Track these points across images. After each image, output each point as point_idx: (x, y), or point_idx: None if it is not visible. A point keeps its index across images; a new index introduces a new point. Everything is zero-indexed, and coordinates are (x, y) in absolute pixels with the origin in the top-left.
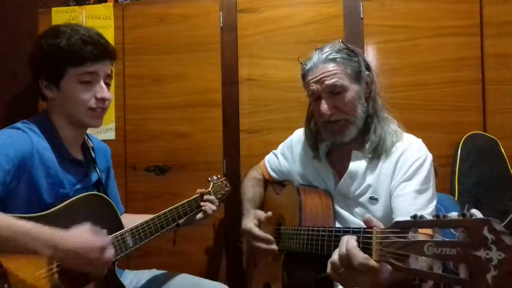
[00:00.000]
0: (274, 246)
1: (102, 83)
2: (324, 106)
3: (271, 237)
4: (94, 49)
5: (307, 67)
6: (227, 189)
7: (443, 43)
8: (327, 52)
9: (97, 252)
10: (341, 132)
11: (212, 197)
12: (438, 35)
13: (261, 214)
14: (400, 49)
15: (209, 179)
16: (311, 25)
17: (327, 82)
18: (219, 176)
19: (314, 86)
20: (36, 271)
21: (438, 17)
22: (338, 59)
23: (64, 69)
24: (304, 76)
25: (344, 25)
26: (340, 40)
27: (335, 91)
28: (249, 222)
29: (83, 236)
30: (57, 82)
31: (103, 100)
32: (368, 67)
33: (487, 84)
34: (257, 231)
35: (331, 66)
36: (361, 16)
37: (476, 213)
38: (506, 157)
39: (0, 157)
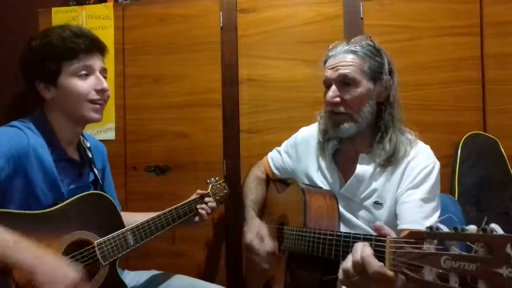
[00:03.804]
0: (272, 268)
1: (98, 75)
2: (330, 93)
3: (272, 254)
4: (86, 41)
5: (330, 54)
6: (225, 191)
7: (443, 43)
8: (352, 44)
9: (72, 280)
10: (340, 125)
11: (210, 199)
12: (438, 35)
13: (264, 231)
14: (400, 49)
15: (208, 181)
16: (311, 25)
17: (340, 71)
18: (217, 178)
19: (329, 72)
20: None
21: (438, 17)
22: (359, 53)
23: (59, 64)
24: (324, 62)
25: (344, 25)
26: (369, 37)
27: (345, 82)
28: (252, 237)
29: (63, 262)
30: (55, 80)
31: (102, 91)
32: (391, 72)
33: (487, 84)
34: (260, 250)
35: (350, 57)
36: (361, 16)
37: (497, 228)
38: (506, 157)
39: None
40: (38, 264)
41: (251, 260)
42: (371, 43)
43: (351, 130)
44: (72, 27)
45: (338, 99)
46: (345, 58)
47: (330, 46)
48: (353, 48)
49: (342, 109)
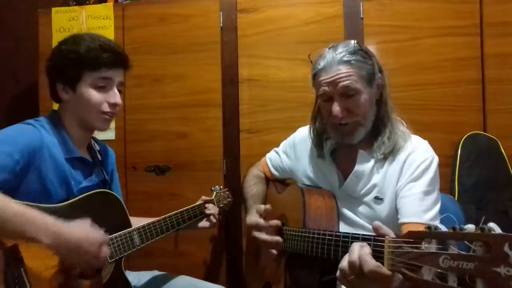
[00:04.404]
0: (279, 238)
1: (115, 89)
2: (336, 108)
3: (277, 223)
4: (111, 56)
5: (319, 66)
6: (229, 199)
7: (443, 43)
8: (341, 53)
9: (96, 246)
10: (350, 134)
11: (212, 205)
12: (438, 35)
13: (261, 207)
14: (400, 49)
15: (212, 188)
16: (311, 25)
17: (341, 84)
18: (221, 187)
19: (327, 87)
20: (51, 257)
21: (438, 17)
22: (353, 62)
23: (81, 73)
24: (315, 75)
25: (344, 25)
26: (356, 42)
27: (348, 94)
28: (253, 216)
29: (85, 227)
30: (74, 85)
31: (114, 105)
32: (380, 70)
33: (487, 84)
34: (263, 222)
35: (346, 68)
36: (361, 16)
37: (495, 227)
38: (506, 157)
39: (10, 148)
40: (59, 244)
41: (255, 242)
42: (358, 47)
43: (361, 135)
44: (102, 39)
45: (344, 112)
46: (341, 70)
47: (310, 56)
48: (346, 58)
49: (349, 119)
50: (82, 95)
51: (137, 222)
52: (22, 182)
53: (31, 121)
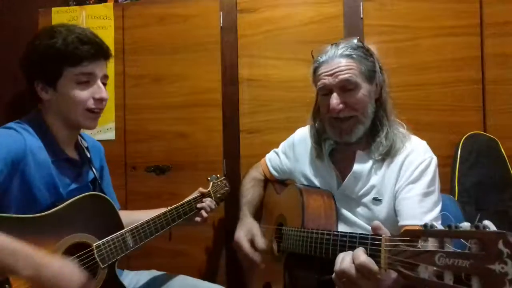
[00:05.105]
0: (261, 265)
1: (99, 83)
2: (334, 100)
3: (258, 257)
4: (91, 48)
5: (321, 60)
6: (226, 188)
7: (443, 43)
8: (343, 47)
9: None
10: (348, 131)
11: (209, 198)
12: (438, 35)
13: (256, 230)
14: (400, 49)
15: (209, 178)
16: (311, 25)
17: (341, 77)
18: (218, 175)
19: (327, 79)
20: None
21: (438, 17)
22: (354, 56)
23: (61, 69)
24: (316, 69)
25: (344, 25)
26: (358, 39)
27: (348, 87)
28: (241, 234)
29: (67, 265)
30: (54, 83)
31: (101, 100)
32: (381, 69)
33: (487, 84)
34: (246, 247)
35: (346, 62)
36: (361, 16)
37: (490, 224)
38: (506, 157)
39: None
40: (38, 275)
41: (253, 244)
42: (360, 44)
43: (359, 133)
44: (78, 31)
45: (342, 105)
46: (341, 63)
47: (313, 51)
48: (347, 52)
49: (348, 113)
50: (65, 93)
51: (129, 216)
52: (7, 190)
53: (12, 124)
